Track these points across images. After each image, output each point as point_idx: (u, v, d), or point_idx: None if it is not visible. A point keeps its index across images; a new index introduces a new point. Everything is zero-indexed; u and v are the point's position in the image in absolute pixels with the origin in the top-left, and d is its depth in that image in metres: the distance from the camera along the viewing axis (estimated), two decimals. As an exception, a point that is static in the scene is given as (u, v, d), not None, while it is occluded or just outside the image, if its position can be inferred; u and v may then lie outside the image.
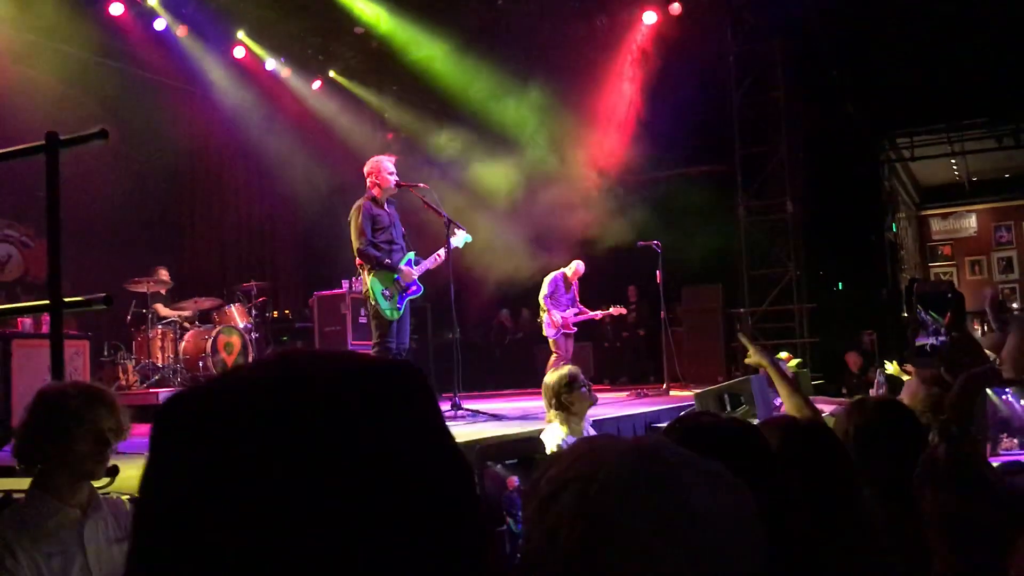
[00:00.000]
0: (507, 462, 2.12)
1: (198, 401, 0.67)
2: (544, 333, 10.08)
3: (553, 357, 9.87)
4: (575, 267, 10.25)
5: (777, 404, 6.83)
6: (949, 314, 1.81)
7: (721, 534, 0.91)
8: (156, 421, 0.66)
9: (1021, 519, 1.34)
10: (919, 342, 1.85)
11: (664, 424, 7.22)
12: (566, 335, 10.12)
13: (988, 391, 1.62)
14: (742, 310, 12.29)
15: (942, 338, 1.80)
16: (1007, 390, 1.54)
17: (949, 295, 1.88)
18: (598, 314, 10.32)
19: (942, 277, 16.66)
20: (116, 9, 10.17)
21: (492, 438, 4.99)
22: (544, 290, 10.07)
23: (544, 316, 10.07)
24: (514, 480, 2.13)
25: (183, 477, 0.63)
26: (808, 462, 1.30)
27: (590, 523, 0.90)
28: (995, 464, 1.61)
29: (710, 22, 11.16)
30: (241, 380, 0.68)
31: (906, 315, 12.40)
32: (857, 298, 12.80)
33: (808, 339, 11.79)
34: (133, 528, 0.66)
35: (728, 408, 6.54)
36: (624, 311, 10.67)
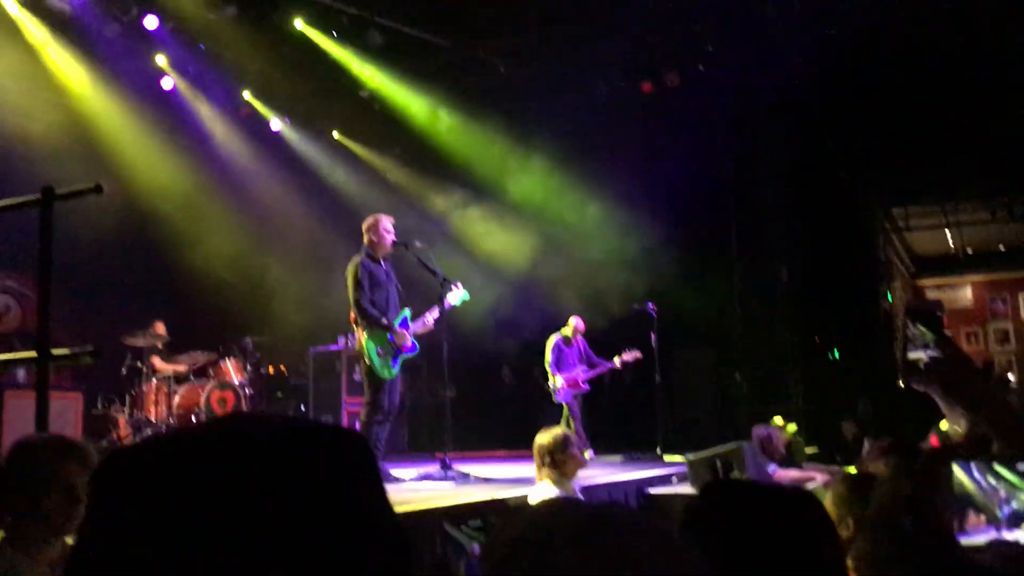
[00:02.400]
0: (470, 523, 2.11)
1: (137, 456, 0.68)
2: (555, 399, 9.97)
3: (563, 424, 9.61)
4: (573, 324, 10.18)
5: (770, 472, 6.80)
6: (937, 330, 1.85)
7: None
8: (93, 476, 0.67)
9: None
10: (911, 355, 1.87)
11: (658, 490, 7.16)
12: (576, 395, 9.99)
13: (954, 465, 1.64)
14: (737, 375, 12.27)
15: (932, 352, 1.82)
16: (972, 464, 1.54)
17: (938, 313, 1.92)
18: (615, 364, 10.12)
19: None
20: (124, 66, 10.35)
21: (464, 504, 4.91)
22: (548, 357, 10.00)
23: (552, 383, 9.99)
24: (476, 548, 2.12)
25: (116, 531, 0.63)
26: (792, 529, 1.32)
27: None
28: (964, 541, 1.61)
29: (707, 90, 11.34)
30: (183, 437, 0.69)
31: (901, 384, 12.35)
32: (852, 366, 12.76)
33: (803, 406, 11.75)
34: None
35: (721, 475, 6.51)
36: (639, 355, 10.22)
